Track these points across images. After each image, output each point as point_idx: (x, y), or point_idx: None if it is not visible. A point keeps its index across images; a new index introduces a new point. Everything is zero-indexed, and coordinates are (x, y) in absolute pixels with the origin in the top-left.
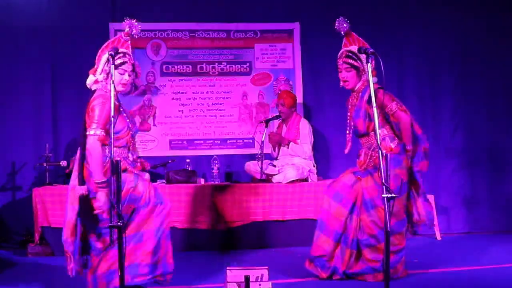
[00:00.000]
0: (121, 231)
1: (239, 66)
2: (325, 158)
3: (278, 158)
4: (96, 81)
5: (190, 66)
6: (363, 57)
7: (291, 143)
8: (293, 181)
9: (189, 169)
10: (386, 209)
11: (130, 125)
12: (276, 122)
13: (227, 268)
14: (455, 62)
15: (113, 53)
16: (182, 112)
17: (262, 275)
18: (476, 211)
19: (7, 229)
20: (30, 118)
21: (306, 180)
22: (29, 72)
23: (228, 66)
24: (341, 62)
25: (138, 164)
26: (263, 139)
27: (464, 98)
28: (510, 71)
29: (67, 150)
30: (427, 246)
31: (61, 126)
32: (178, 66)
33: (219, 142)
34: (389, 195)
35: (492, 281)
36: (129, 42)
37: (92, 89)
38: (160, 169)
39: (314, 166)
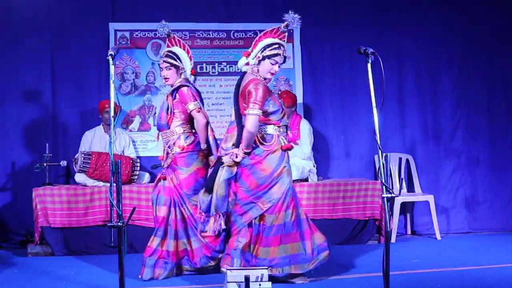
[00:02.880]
0: (121, 232)
1: None
2: (325, 158)
3: None
4: (247, 64)
5: None
6: (182, 57)
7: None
8: (293, 181)
9: None
10: (386, 209)
11: (281, 104)
12: None
13: (227, 268)
14: (455, 62)
15: (113, 53)
16: None
17: (262, 275)
18: (476, 211)
19: (7, 229)
20: (30, 118)
21: (306, 180)
22: (29, 72)
23: (228, 66)
24: (162, 61)
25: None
26: None
27: (464, 98)
28: (510, 71)
29: (67, 150)
30: (427, 246)
31: (61, 126)
32: None
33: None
34: (389, 195)
35: (492, 281)
36: (286, 34)
37: (242, 70)
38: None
39: (314, 166)
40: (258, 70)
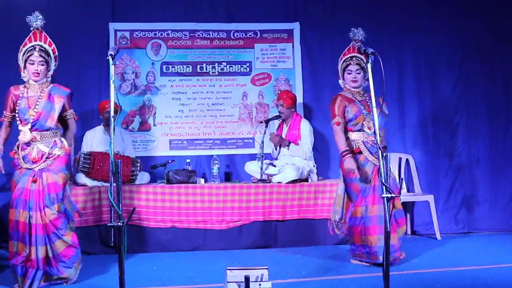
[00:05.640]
0: (121, 232)
1: (239, 66)
2: (325, 158)
3: (278, 158)
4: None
5: (190, 66)
6: (51, 56)
7: (291, 144)
8: (293, 181)
9: (189, 169)
10: (386, 209)
11: (362, 109)
12: (276, 122)
13: (227, 268)
14: (455, 62)
15: (113, 53)
16: (182, 112)
17: (262, 275)
18: (476, 211)
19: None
20: None
21: (306, 180)
22: None
23: (228, 66)
24: (38, 55)
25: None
26: (263, 139)
27: (464, 98)
28: (510, 71)
29: None
30: (427, 246)
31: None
32: (178, 66)
33: (219, 142)
34: (389, 195)
35: (492, 281)
36: (361, 46)
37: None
38: (160, 169)
39: (314, 166)
40: (345, 83)
